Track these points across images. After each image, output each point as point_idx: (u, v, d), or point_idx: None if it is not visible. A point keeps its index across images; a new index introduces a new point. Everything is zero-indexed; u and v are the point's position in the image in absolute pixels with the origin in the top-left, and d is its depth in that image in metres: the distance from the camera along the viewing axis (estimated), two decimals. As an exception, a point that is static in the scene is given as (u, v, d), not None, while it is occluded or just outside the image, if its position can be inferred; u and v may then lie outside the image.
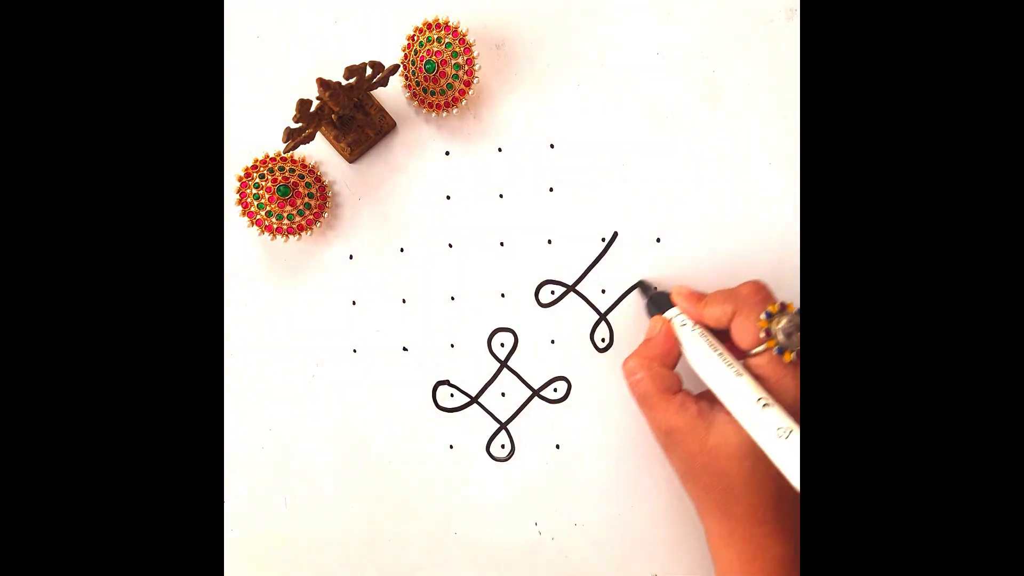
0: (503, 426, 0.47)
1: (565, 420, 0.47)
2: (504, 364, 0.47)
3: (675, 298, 0.41)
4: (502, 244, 0.47)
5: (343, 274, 0.46)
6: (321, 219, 0.45)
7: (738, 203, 0.46)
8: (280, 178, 0.44)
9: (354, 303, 0.46)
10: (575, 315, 0.47)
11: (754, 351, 0.37)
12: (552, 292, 0.47)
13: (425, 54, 0.44)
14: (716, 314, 0.39)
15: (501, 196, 0.47)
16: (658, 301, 0.43)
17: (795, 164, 0.46)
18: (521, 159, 0.46)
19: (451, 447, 0.47)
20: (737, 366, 0.37)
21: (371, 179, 0.46)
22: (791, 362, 0.36)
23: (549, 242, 0.47)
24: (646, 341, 0.41)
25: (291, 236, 0.44)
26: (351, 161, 0.46)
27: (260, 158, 0.44)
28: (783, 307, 0.37)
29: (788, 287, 0.46)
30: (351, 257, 0.46)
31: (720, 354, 0.37)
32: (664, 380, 0.39)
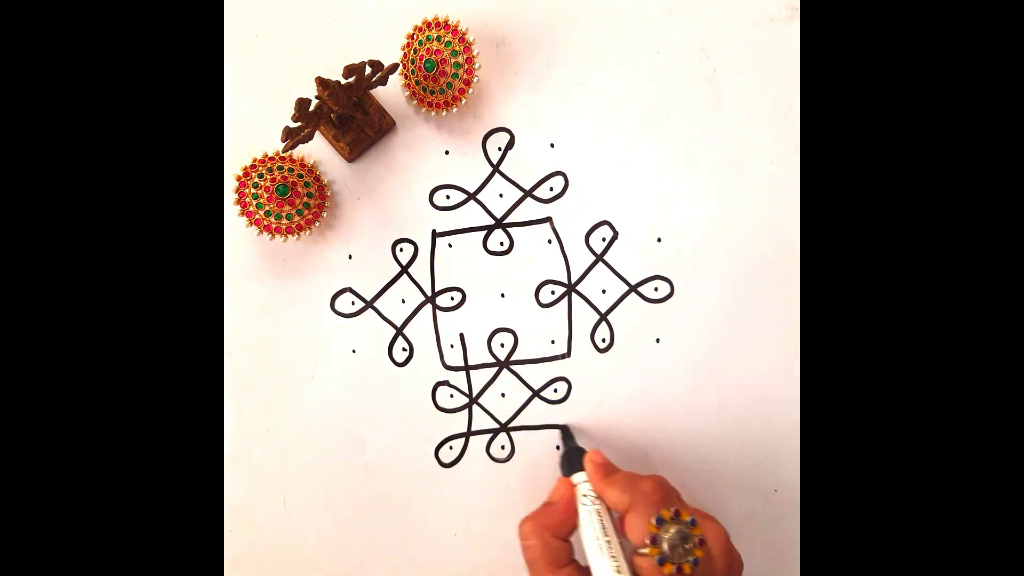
0: (503, 427, 0.47)
1: (565, 421, 0.47)
2: (504, 364, 0.47)
3: (586, 463, 0.41)
4: (502, 244, 0.46)
5: (342, 274, 0.46)
6: (320, 219, 0.45)
7: (738, 203, 0.46)
8: (279, 177, 0.44)
9: (353, 303, 0.46)
10: (575, 315, 0.47)
11: (639, 551, 0.35)
12: (552, 292, 0.47)
13: (425, 53, 0.44)
14: (615, 499, 0.38)
15: (501, 196, 0.46)
16: (573, 457, 0.42)
17: (795, 164, 0.46)
18: (521, 158, 0.46)
19: (451, 447, 0.47)
20: (621, 560, 0.35)
21: (370, 178, 0.46)
22: (670, 574, 0.34)
23: (549, 242, 0.47)
24: (546, 505, 0.41)
25: (290, 236, 0.44)
26: (350, 160, 0.46)
27: (259, 157, 0.44)
28: (676, 515, 0.35)
29: (788, 287, 0.46)
30: (350, 257, 0.46)
31: (608, 541, 0.36)
32: (553, 552, 0.38)
